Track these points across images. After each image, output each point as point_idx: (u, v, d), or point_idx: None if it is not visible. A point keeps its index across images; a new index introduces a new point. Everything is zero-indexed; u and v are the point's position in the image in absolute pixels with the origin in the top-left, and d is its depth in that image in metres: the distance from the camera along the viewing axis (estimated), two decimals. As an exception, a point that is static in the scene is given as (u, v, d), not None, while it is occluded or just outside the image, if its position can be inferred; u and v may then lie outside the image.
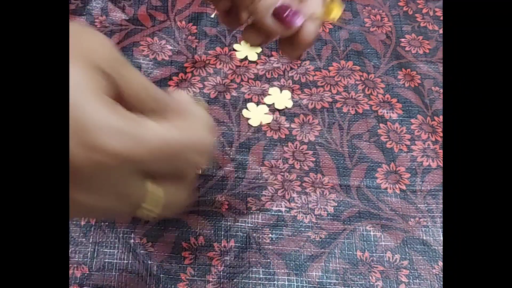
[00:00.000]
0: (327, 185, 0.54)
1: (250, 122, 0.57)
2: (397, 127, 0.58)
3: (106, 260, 0.48)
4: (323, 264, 0.50)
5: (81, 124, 0.24)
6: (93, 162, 0.25)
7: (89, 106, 0.25)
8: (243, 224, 0.51)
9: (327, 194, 0.54)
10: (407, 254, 0.51)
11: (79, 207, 0.26)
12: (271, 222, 0.52)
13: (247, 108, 0.58)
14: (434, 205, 0.54)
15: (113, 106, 0.26)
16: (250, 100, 0.59)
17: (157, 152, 0.27)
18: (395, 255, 0.51)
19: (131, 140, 0.26)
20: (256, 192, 0.53)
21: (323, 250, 0.51)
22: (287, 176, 0.54)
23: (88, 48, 0.26)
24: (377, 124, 0.58)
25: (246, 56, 0.62)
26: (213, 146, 0.31)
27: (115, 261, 0.48)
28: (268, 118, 0.58)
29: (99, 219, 0.34)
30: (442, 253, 0.51)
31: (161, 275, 0.48)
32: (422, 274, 0.50)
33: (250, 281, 0.49)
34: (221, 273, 0.49)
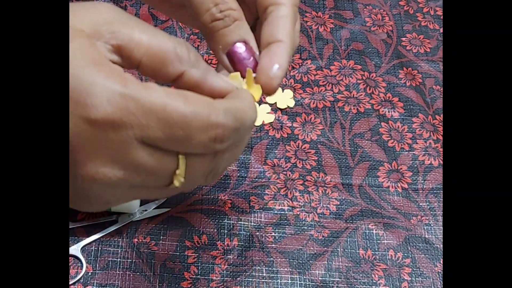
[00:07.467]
0: (329, 183, 0.55)
1: (252, 121, 0.57)
2: (398, 125, 0.59)
3: (110, 259, 0.49)
4: (326, 262, 0.50)
5: (76, 93, 0.24)
6: (90, 132, 0.24)
7: (84, 74, 0.24)
8: (246, 223, 0.52)
9: (330, 192, 0.54)
10: (410, 252, 0.51)
11: (105, 183, 0.25)
12: (274, 220, 0.52)
13: (249, 108, 0.58)
14: (436, 203, 0.54)
15: (113, 71, 0.25)
16: (252, 99, 0.59)
17: (153, 118, 0.25)
18: (398, 253, 0.51)
19: (125, 102, 0.24)
20: (259, 191, 0.53)
21: (326, 248, 0.51)
22: (289, 175, 0.55)
23: (80, 17, 0.26)
24: (378, 123, 0.59)
25: (248, 56, 0.62)
26: (227, 135, 0.27)
27: (119, 260, 0.49)
28: (270, 117, 0.58)
29: (137, 197, 0.30)
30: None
31: (165, 274, 0.48)
32: (424, 272, 0.50)
33: (253, 280, 0.49)
34: (225, 271, 0.49)
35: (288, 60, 0.32)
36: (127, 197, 0.28)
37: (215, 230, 0.51)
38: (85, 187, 0.26)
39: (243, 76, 0.32)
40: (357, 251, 0.51)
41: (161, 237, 0.50)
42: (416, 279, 0.50)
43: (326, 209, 0.53)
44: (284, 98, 0.59)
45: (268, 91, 0.32)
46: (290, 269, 0.50)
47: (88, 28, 0.26)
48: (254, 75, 0.32)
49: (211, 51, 0.61)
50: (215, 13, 0.31)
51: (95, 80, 0.24)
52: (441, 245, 0.52)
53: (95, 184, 0.25)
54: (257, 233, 0.51)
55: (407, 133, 0.58)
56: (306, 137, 0.57)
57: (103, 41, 0.26)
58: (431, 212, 0.54)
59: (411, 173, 0.56)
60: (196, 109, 0.25)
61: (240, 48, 0.32)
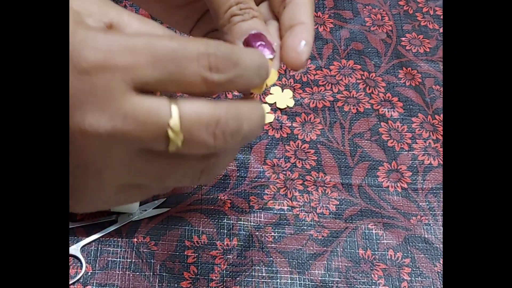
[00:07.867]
0: (329, 183, 0.55)
1: (252, 121, 0.57)
2: (398, 125, 0.59)
3: (109, 259, 0.49)
4: (325, 262, 0.50)
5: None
6: (77, 82, 0.24)
7: (76, 32, 0.24)
8: (246, 223, 0.52)
9: (329, 192, 0.54)
10: (409, 252, 0.51)
11: (93, 136, 0.24)
12: (274, 220, 0.52)
13: (248, 107, 0.58)
14: (435, 203, 0.54)
15: (94, 27, 0.25)
16: (251, 99, 0.59)
17: (140, 55, 0.24)
18: (397, 253, 0.51)
19: (109, 44, 0.24)
20: (259, 191, 0.53)
21: (325, 248, 0.51)
22: (289, 174, 0.55)
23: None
24: (378, 122, 0.59)
25: (248, 56, 0.62)
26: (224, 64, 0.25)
27: (118, 259, 0.49)
28: (270, 117, 0.58)
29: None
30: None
31: (164, 274, 0.48)
32: (424, 272, 0.50)
33: (253, 280, 0.49)
34: (224, 271, 0.49)
35: (312, 39, 0.32)
36: (121, 172, 0.26)
37: (215, 230, 0.51)
38: (75, 145, 0.25)
39: None
40: (357, 251, 0.51)
41: (161, 237, 0.50)
42: (416, 279, 0.50)
43: (326, 209, 0.53)
44: (284, 98, 0.59)
45: (296, 67, 0.32)
46: (290, 269, 0.50)
47: (77, 6, 0.26)
48: (271, 56, 0.32)
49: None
50: (235, 10, 0.32)
51: (76, 31, 0.24)
52: (441, 245, 0.52)
53: (83, 138, 0.24)
54: (257, 233, 0.51)
55: (406, 133, 0.58)
56: (305, 137, 0.57)
57: (94, 18, 0.26)
58: (431, 212, 0.54)
59: (411, 173, 0.56)
60: (183, 42, 0.25)
61: (257, 35, 0.32)
